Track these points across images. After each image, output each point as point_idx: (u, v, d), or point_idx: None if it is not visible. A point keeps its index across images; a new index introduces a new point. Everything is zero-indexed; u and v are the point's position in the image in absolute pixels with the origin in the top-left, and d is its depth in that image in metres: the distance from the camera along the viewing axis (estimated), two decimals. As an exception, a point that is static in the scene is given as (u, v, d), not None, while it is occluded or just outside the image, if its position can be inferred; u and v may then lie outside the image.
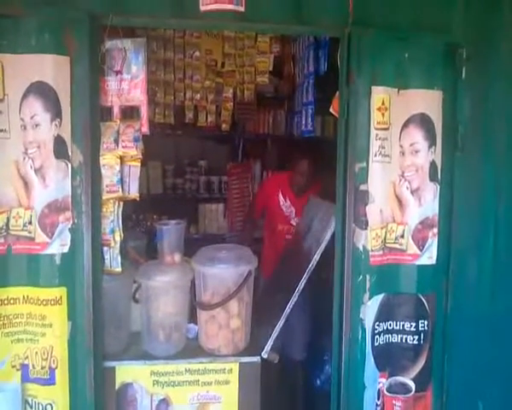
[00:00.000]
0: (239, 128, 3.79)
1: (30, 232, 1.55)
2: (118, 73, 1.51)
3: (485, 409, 1.93)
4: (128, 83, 1.54)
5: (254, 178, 3.80)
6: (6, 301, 1.60)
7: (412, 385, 1.84)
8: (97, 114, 1.55)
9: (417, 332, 1.81)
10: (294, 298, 1.82)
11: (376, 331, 1.78)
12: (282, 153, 3.84)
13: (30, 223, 1.54)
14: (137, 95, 1.53)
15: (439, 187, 1.78)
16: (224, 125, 3.24)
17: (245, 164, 3.86)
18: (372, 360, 1.79)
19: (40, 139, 1.51)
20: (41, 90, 1.49)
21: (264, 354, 1.84)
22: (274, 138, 3.94)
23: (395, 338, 1.81)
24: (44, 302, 1.60)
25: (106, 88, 1.56)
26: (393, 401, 1.84)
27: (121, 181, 1.58)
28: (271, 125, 3.86)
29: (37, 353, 1.63)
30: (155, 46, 2.77)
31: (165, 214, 3.00)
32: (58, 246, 1.57)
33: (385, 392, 1.83)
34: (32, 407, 1.68)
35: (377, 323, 1.77)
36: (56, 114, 1.51)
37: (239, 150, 3.89)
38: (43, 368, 1.64)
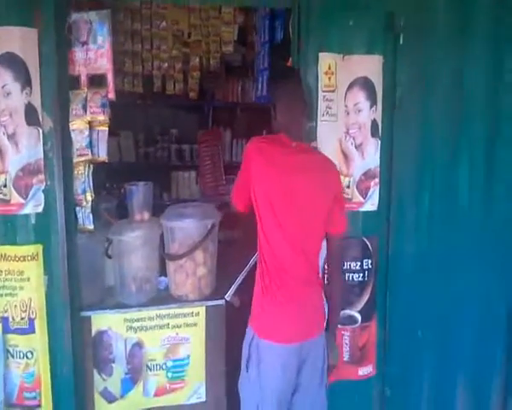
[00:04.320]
0: (208, 96, 4.18)
1: (5, 195, 1.85)
2: (84, 43, 1.78)
3: (423, 336, 2.46)
4: (94, 52, 1.81)
5: (224, 145, 4.25)
6: None
7: (359, 317, 2.33)
8: (65, 82, 1.83)
9: (362, 270, 2.28)
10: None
11: (326, 272, 2.24)
12: (250, 119, 4.26)
13: (5, 186, 1.83)
14: (104, 63, 1.81)
15: (379, 142, 2.21)
16: (191, 94, 3.63)
17: (214, 131, 4.25)
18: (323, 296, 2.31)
19: (12, 107, 1.78)
20: (10, 60, 1.75)
21: (228, 297, 2.30)
22: (243, 106, 4.36)
23: (343, 277, 2.30)
24: (22, 259, 1.92)
25: (73, 58, 1.84)
26: (342, 332, 2.32)
27: (91, 145, 1.89)
28: (240, 93, 4.26)
29: (16, 306, 1.96)
30: (122, 17, 3.03)
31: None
32: (33, 206, 1.88)
33: None
34: (13, 356, 2.01)
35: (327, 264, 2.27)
36: (26, 83, 1.78)
37: (208, 118, 4.28)
38: (22, 319, 1.97)
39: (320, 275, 1.98)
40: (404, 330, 2.44)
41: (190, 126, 4.41)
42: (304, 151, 1.86)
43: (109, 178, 2.89)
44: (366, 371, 2.40)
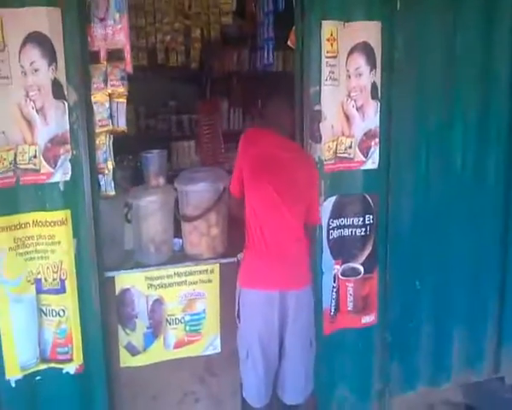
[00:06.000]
0: (206, 67, 4.49)
1: (35, 165, 2.13)
2: (102, 20, 2.04)
3: (421, 286, 2.84)
4: (112, 28, 2.06)
5: (222, 114, 4.63)
6: (18, 226, 2.19)
7: (361, 269, 2.69)
8: (87, 57, 2.09)
9: (364, 225, 2.63)
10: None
11: (331, 227, 2.57)
12: (246, 89, 4.69)
13: (35, 157, 2.12)
14: (121, 39, 2.06)
15: (379, 104, 2.52)
16: (193, 64, 3.97)
17: (213, 101, 4.57)
18: (328, 250, 2.59)
19: (39, 83, 2.05)
20: (37, 39, 2.01)
21: (239, 256, 2.65)
22: (239, 76, 4.73)
23: (346, 232, 2.62)
24: (52, 224, 2.22)
25: (93, 34, 2.09)
26: (346, 284, 2.69)
27: (111, 116, 2.17)
28: (236, 63, 4.61)
29: (48, 268, 2.26)
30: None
31: (139, 154, 3.63)
32: (61, 175, 2.17)
33: (339, 276, 2.66)
34: (46, 314, 2.32)
35: (331, 220, 2.56)
36: (52, 59, 2.05)
37: (207, 89, 4.62)
38: (54, 280, 2.27)
39: (305, 235, 2.31)
40: (403, 281, 2.80)
41: (189, 98, 4.75)
42: (289, 142, 2.32)
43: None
44: (368, 319, 2.77)
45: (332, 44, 2.35)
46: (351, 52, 2.43)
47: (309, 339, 2.31)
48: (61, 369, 2.38)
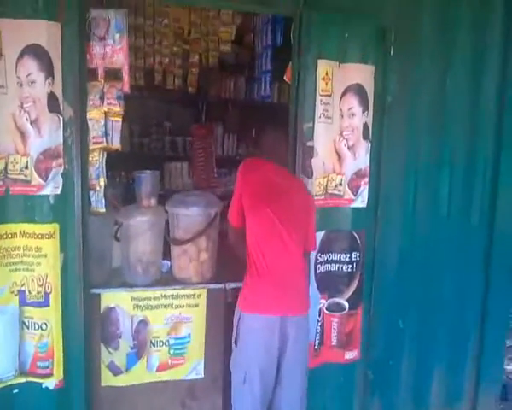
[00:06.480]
0: (203, 92, 4.08)
1: (26, 176, 1.83)
2: (102, 39, 1.77)
3: (404, 325, 2.44)
4: (111, 48, 1.80)
5: (216, 139, 4.16)
6: (5, 236, 1.87)
7: (346, 305, 2.31)
8: (85, 74, 1.82)
9: (351, 262, 2.27)
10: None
11: (318, 261, 2.21)
12: (241, 116, 4.23)
13: (26, 168, 1.82)
14: (120, 59, 1.80)
15: (370, 144, 2.21)
16: (190, 89, 3.56)
17: (208, 126, 4.18)
18: (315, 284, 2.22)
19: (35, 95, 1.78)
20: (35, 51, 1.74)
21: (228, 285, 2.24)
22: (234, 103, 4.26)
23: (333, 267, 2.26)
24: (40, 236, 1.89)
25: (92, 52, 1.82)
26: (331, 318, 2.30)
27: (105, 134, 1.87)
28: (232, 90, 4.16)
29: (33, 280, 1.92)
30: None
31: (132, 171, 3.25)
32: (52, 188, 1.86)
33: (325, 311, 2.28)
34: (28, 328, 1.96)
35: (319, 254, 2.20)
36: (49, 73, 1.78)
37: (202, 113, 4.22)
38: (38, 293, 1.93)
39: (305, 261, 2.01)
40: (386, 319, 2.43)
41: (184, 120, 4.29)
42: (284, 169, 2.06)
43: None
44: (352, 355, 2.38)
45: (327, 83, 2.06)
46: (344, 92, 2.14)
47: (305, 365, 1.98)
48: (41, 383, 2.00)
